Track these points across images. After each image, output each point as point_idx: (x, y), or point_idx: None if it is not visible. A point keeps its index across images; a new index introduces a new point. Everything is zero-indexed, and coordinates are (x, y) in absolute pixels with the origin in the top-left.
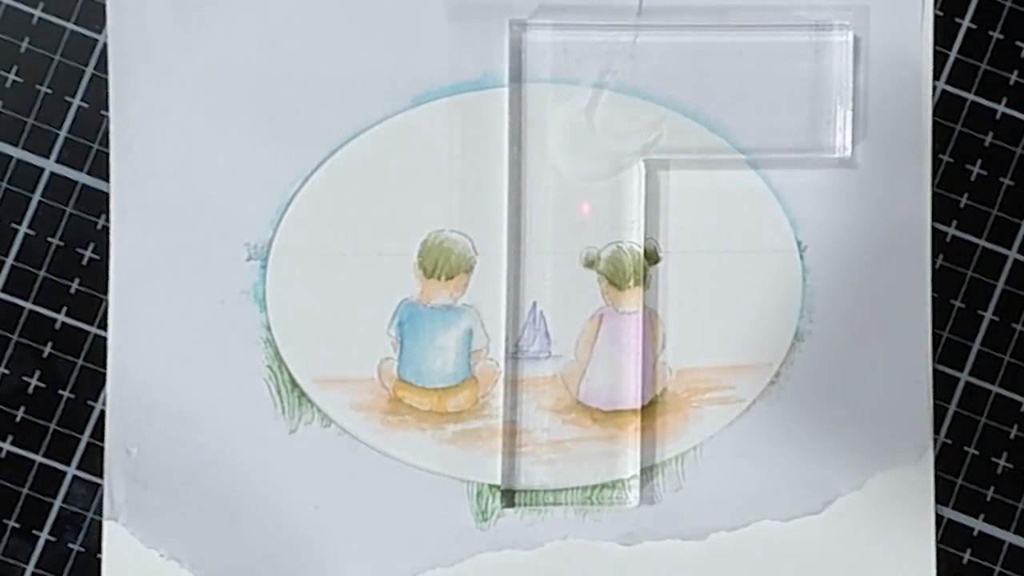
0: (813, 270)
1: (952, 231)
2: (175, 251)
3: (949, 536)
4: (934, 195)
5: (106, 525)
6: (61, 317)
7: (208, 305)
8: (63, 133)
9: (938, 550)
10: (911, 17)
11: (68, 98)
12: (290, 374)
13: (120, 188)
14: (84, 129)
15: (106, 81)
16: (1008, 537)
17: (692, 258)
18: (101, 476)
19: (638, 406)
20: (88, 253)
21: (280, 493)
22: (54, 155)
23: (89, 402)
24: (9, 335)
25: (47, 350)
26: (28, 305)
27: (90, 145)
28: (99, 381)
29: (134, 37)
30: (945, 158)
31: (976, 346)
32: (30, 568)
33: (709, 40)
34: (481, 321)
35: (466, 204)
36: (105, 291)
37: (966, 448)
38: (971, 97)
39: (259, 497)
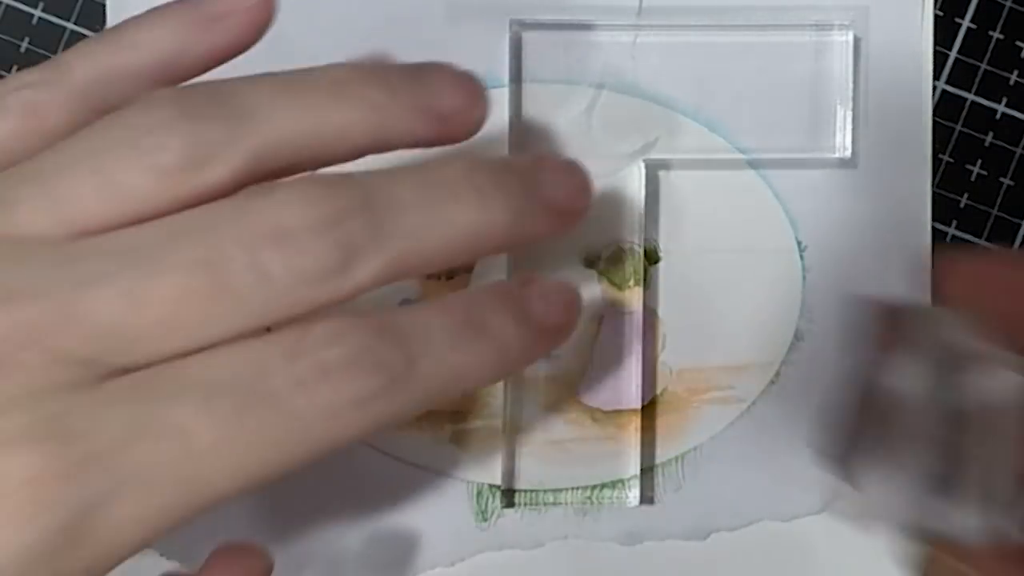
0: (813, 270)
1: (952, 231)
2: None
3: None
4: (934, 195)
5: None
6: None
7: None
8: None
9: None
10: (911, 17)
11: None
12: None
13: None
14: None
15: None
16: None
17: (692, 258)
18: None
19: (638, 406)
20: None
21: (280, 493)
22: None
23: None
24: None
25: None
26: None
27: None
28: None
29: None
30: (945, 158)
31: None
32: None
33: (709, 40)
34: None
35: None
36: None
37: None
38: (971, 97)
39: (258, 497)
